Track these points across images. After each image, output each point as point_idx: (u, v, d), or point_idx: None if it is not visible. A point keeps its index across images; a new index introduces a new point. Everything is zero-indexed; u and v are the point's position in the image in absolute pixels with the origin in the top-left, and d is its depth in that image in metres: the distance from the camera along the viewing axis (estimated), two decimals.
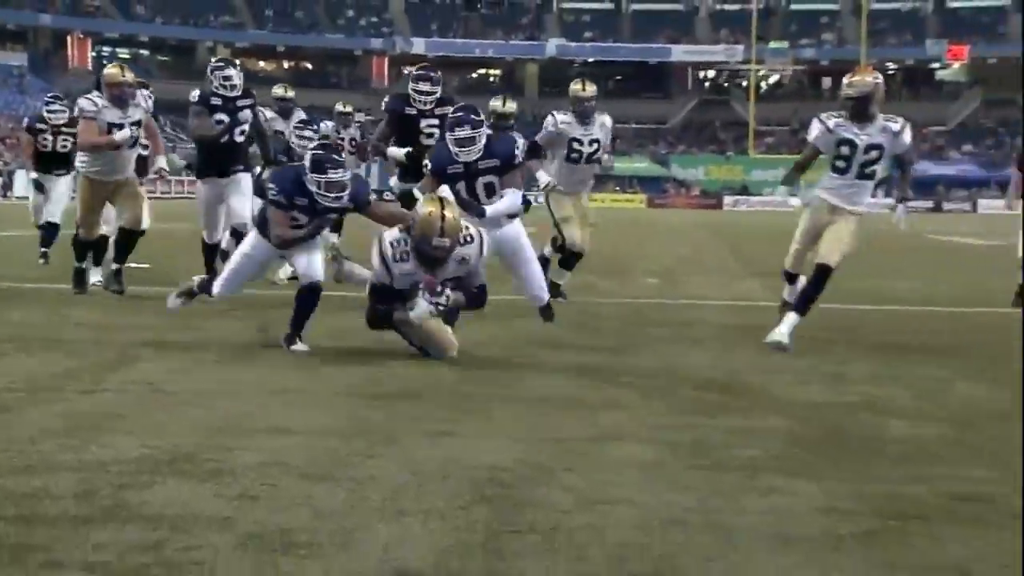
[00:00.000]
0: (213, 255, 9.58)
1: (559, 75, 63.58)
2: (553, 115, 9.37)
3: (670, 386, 5.68)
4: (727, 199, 62.26)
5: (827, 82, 64.00)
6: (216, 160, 9.27)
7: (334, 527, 3.25)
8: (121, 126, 8.77)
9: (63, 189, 12.14)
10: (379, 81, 69.50)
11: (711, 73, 75.00)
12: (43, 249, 12.23)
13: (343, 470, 3.90)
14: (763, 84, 71.79)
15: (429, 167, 7.26)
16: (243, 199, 9.34)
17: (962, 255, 18.78)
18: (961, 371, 6.15)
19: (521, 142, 7.35)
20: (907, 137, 6.93)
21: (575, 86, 9.39)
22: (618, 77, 70.62)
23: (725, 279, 11.89)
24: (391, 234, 6.17)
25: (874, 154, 6.90)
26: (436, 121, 8.41)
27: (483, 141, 7.15)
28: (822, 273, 6.90)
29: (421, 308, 6.11)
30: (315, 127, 11.25)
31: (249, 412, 4.82)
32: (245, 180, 9.41)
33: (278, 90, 12.00)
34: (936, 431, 4.79)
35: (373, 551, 3.06)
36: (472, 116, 7.16)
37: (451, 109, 7.80)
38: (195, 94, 9.24)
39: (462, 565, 2.96)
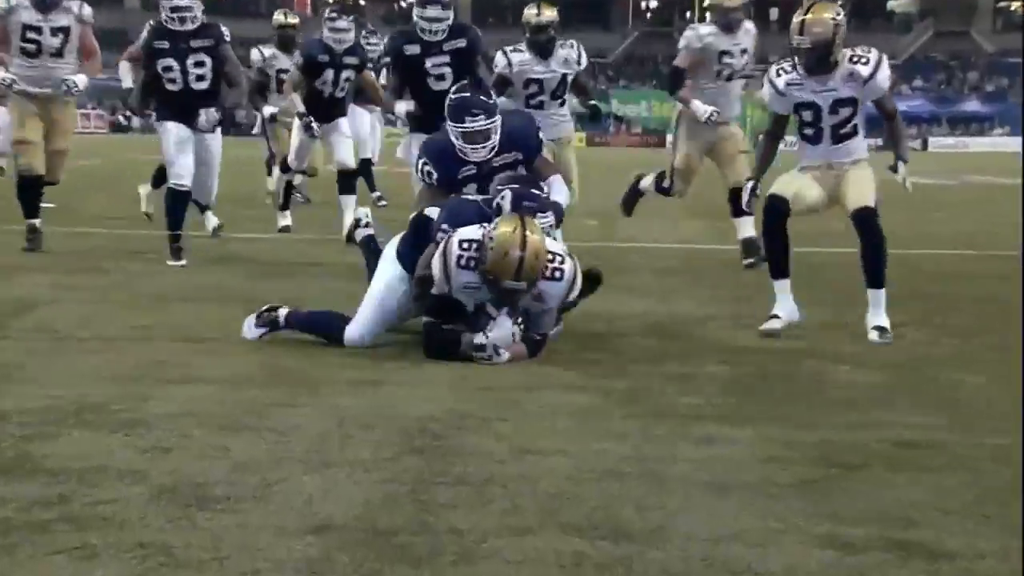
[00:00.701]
0: (179, 208, 8.17)
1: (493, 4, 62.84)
2: (694, 28, 8.35)
3: (607, 333, 5.72)
4: (671, 137, 62.00)
5: (775, 13, 63.89)
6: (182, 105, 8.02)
7: (254, 480, 3.25)
8: (39, 30, 8.00)
9: None
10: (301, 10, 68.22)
11: (653, 3, 74.83)
12: None
13: (263, 421, 3.89)
14: (707, 14, 71.42)
15: (429, 174, 5.73)
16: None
17: (914, 195, 18.87)
18: (915, 318, 6.22)
19: (534, 118, 6.12)
20: (883, 77, 5.56)
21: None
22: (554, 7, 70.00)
23: (668, 221, 11.94)
24: (468, 232, 5.00)
25: (845, 112, 5.59)
26: (447, 59, 7.37)
27: (498, 132, 5.61)
28: (866, 218, 5.57)
29: (504, 330, 4.95)
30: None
31: (161, 360, 4.80)
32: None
33: (279, 17, 11.14)
34: (881, 378, 4.89)
35: (295, 504, 3.06)
36: (481, 99, 5.61)
37: (464, 42, 7.13)
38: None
39: (390, 518, 2.98)
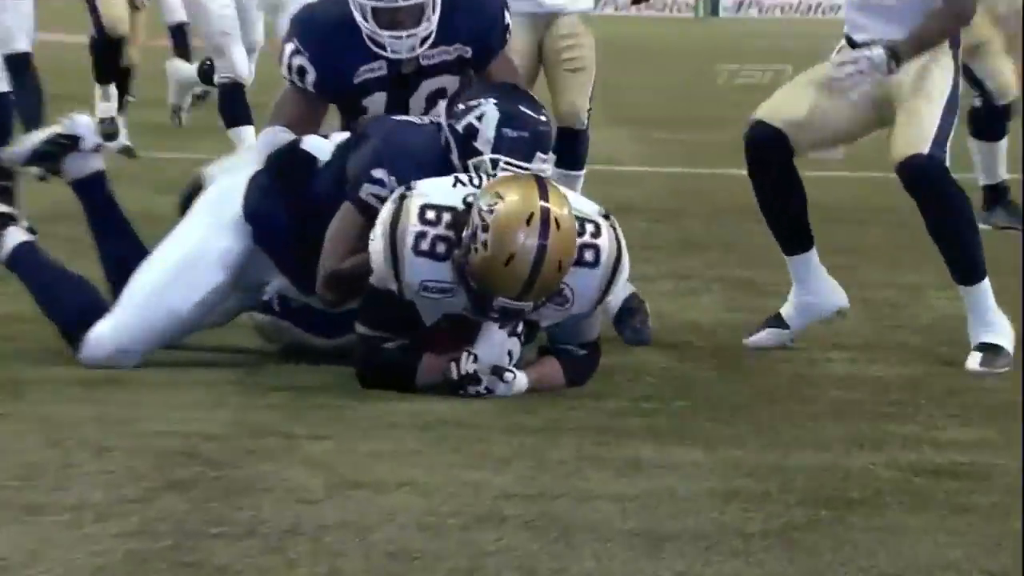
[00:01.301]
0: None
1: None
2: None
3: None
4: None
5: None
6: None
7: None
8: None
9: None
10: None
11: None
12: None
13: None
14: None
15: (301, 71, 5.24)
16: None
17: None
18: (944, 279, 6.09)
19: None
20: None
21: None
22: None
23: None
24: (435, 192, 4.65)
25: None
26: None
27: (439, 8, 5.14)
28: (917, 175, 5.31)
29: (492, 343, 4.66)
30: None
31: None
32: None
33: None
34: (896, 374, 4.95)
35: None
36: None
37: None
38: None
39: None
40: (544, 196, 4.44)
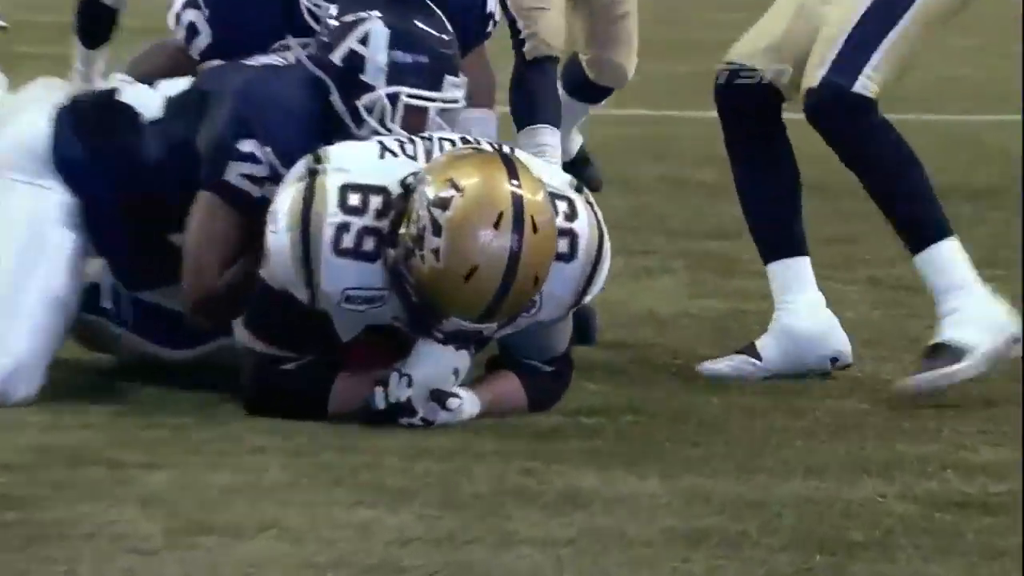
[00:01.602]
0: None
1: None
2: None
3: None
4: None
5: None
6: None
7: None
8: None
9: None
10: None
11: None
12: None
13: None
14: None
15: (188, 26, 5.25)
16: None
17: None
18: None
19: None
20: None
21: None
22: None
23: None
24: (357, 167, 4.55)
25: None
26: None
27: None
28: (818, 108, 5.35)
29: (434, 360, 4.58)
30: None
31: None
32: None
33: None
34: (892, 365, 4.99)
35: None
36: None
37: None
38: None
39: None
40: (515, 182, 4.33)
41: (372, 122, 4.55)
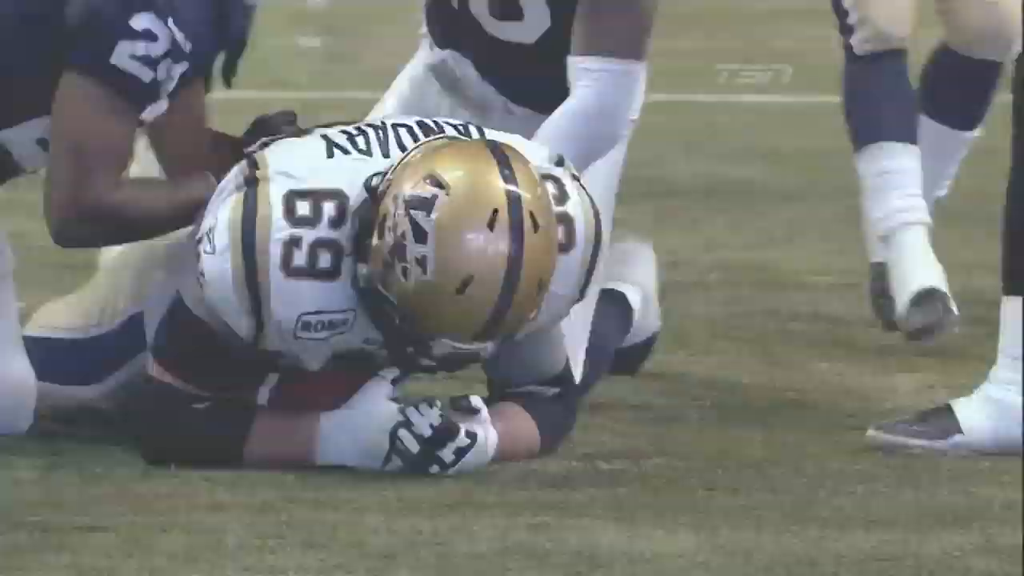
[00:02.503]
0: None
1: None
2: None
3: None
4: None
5: None
6: None
7: None
8: None
9: None
10: None
11: None
12: None
13: None
14: None
15: None
16: None
17: None
18: None
19: None
20: None
21: None
22: None
23: None
24: (291, 175, 4.32)
25: None
26: None
27: None
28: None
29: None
30: None
31: None
32: None
33: None
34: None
35: None
36: None
37: None
38: None
39: None
40: (507, 173, 4.11)
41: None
